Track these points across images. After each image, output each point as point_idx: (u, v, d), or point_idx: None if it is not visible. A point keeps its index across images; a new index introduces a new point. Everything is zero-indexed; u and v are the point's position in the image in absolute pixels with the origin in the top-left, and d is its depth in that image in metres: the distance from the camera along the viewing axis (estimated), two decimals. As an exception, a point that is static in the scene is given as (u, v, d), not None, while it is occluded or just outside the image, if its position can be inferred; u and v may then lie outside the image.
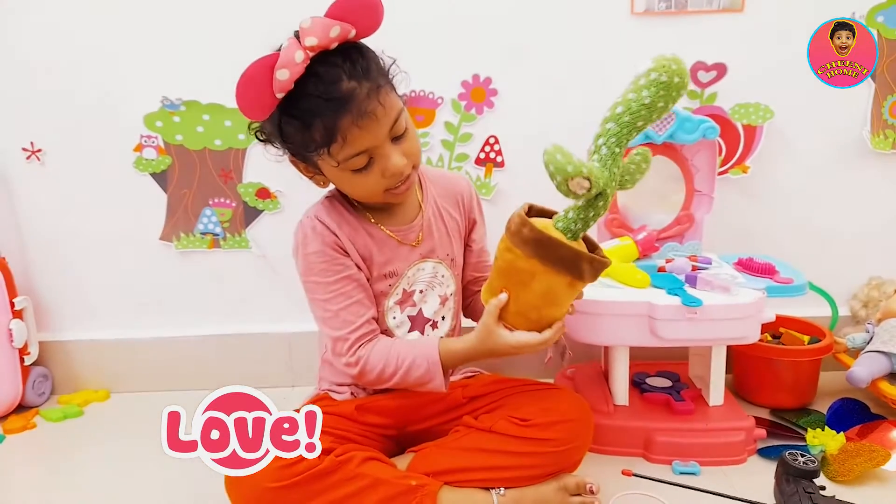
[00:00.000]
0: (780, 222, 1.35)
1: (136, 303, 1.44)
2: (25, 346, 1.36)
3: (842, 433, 1.08)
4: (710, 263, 1.16)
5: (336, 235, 0.96)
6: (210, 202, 1.38)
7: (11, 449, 1.24)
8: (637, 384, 1.22)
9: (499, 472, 0.91)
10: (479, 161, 1.35)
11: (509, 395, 1.00)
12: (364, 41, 0.89)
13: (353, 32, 0.85)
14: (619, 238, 1.17)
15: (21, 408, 1.37)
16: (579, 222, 0.79)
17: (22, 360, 1.36)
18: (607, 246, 1.16)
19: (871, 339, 1.19)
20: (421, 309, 1.04)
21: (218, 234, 1.40)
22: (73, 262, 1.42)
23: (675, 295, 1.04)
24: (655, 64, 0.70)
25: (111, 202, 1.38)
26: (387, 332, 1.02)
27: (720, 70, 1.28)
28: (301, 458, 0.84)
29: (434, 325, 1.05)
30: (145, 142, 1.36)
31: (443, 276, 1.05)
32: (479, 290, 1.02)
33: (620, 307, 1.06)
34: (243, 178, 1.37)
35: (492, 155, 1.35)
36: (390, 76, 0.91)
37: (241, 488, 0.85)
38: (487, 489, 0.91)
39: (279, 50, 0.83)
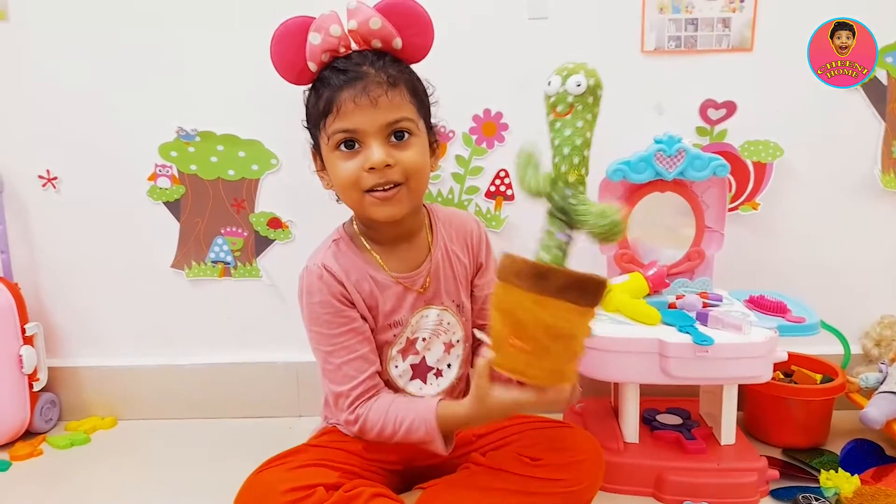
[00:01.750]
0: (790, 259, 1.34)
1: (145, 330, 1.44)
2: (35, 372, 1.36)
3: (856, 475, 1.06)
4: (722, 300, 1.16)
5: (343, 286, 0.95)
6: (222, 231, 1.39)
7: (17, 476, 1.23)
8: (647, 421, 1.20)
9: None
10: (489, 194, 1.36)
11: (519, 433, 0.99)
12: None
13: (398, 41, 0.91)
14: (630, 273, 1.17)
15: (28, 434, 1.37)
16: (560, 253, 0.80)
17: (31, 387, 1.36)
18: (617, 281, 1.16)
19: (885, 378, 1.18)
20: (424, 357, 1.02)
21: (229, 263, 1.41)
22: (85, 288, 1.43)
23: (687, 333, 1.04)
24: (584, 73, 0.75)
25: (124, 230, 1.40)
26: (389, 381, 1.00)
27: (730, 108, 1.29)
28: (311, 492, 0.84)
29: (438, 374, 1.03)
30: (160, 171, 1.37)
31: (448, 324, 1.02)
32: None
33: (631, 344, 1.05)
34: (255, 207, 1.38)
35: (502, 188, 1.35)
36: (426, 100, 0.96)
37: None
38: None
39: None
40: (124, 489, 1.16)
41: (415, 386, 1.02)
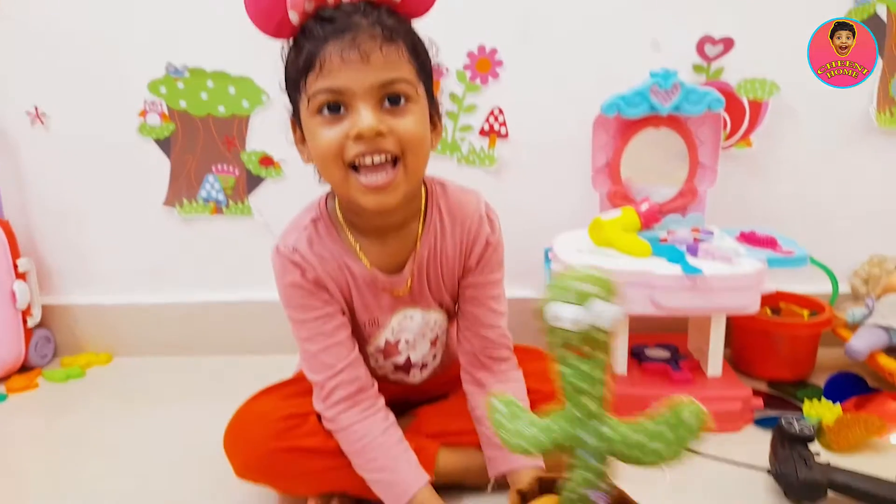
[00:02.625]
0: (782, 198, 1.35)
1: (138, 268, 1.45)
2: (28, 307, 1.37)
3: (838, 405, 1.09)
4: (713, 235, 1.16)
5: (316, 272, 0.84)
6: (213, 169, 1.39)
7: (14, 407, 1.25)
8: (636, 355, 1.22)
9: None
10: (483, 132, 1.35)
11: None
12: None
13: None
14: (622, 208, 1.17)
15: (24, 369, 1.38)
16: (580, 501, 0.64)
17: (25, 322, 1.37)
18: (609, 216, 1.16)
19: (871, 313, 1.20)
20: (409, 356, 0.94)
21: (220, 202, 1.40)
22: (77, 226, 1.42)
23: (676, 264, 1.05)
24: (602, 292, 0.57)
25: (115, 167, 1.39)
26: (371, 371, 0.91)
27: (727, 44, 1.28)
28: (305, 419, 0.85)
29: (423, 367, 0.97)
30: (149, 108, 1.36)
31: (435, 322, 0.93)
32: (477, 352, 0.91)
33: (621, 275, 1.06)
34: (246, 145, 1.37)
35: (496, 126, 1.34)
36: (428, 63, 0.80)
37: (242, 448, 0.85)
38: None
39: None
40: (119, 420, 1.18)
41: (397, 377, 0.97)
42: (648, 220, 1.17)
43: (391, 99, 0.74)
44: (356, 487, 0.86)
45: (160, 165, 1.39)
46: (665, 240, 1.15)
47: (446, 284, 0.90)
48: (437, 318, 0.93)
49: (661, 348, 1.25)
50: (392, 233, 0.85)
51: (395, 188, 0.76)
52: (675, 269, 1.04)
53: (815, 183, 1.35)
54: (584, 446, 0.62)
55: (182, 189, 1.40)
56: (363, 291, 0.86)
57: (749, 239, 1.15)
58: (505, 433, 0.65)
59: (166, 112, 1.36)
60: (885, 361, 1.12)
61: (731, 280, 1.03)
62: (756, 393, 1.13)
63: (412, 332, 0.92)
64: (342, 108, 0.73)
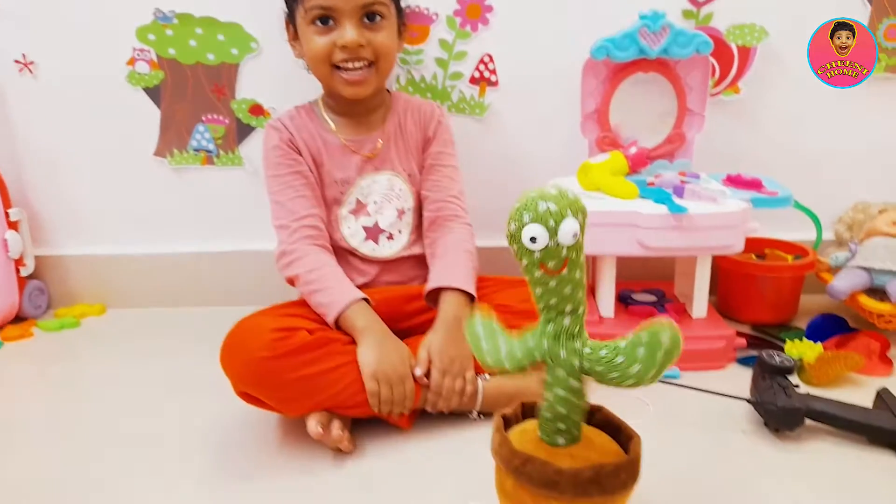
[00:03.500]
0: (770, 145, 1.36)
1: (130, 219, 1.45)
2: (21, 257, 1.38)
3: (820, 344, 1.11)
4: (699, 178, 1.17)
5: (291, 135, 1.08)
6: (203, 118, 1.38)
7: (8, 355, 1.26)
8: (623, 299, 1.24)
9: None
10: (473, 80, 1.35)
11: (497, 291, 1.03)
12: None
13: None
14: (610, 152, 1.18)
15: (18, 319, 1.39)
16: (557, 419, 0.66)
17: (18, 272, 1.38)
18: (597, 160, 1.17)
19: (854, 257, 1.22)
20: (377, 220, 1.11)
21: (211, 151, 1.41)
22: (68, 176, 1.42)
23: (663, 204, 1.06)
24: (571, 212, 0.59)
25: (104, 116, 1.38)
26: (341, 240, 1.09)
27: (717, -11, 1.28)
28: (294, 332, 0.89)
29: (390, 237, 1.12)
30: (138, 55, 1.35)
31: (400, 190, 1.12)
32: (435, 214, 1.10)
33: (608, 217, 1.07)
34: (236, 94, 1.37)
35: (486, 74, 1.34)
36: None
37: (236, 358, 0.88)
38: (476, 375, 0.95)
39: None
40: (115, 369, 1.19)
41: (368, 247, 1.11)
42: (636, 164, 1.18)
43: (369, 16, 1.01)
44: (351, 400, 0.90)
45: (150, 115, 1.38)
46: (652, 183, 1.16)
47: (411, 153, 1.12)
48: (401, 186, 1.12)
49: (648, 293, 1.28)
50: (362, 116, 1.12)
51: (368, 83, 1.04)
52: (662, 210, 1.05)
53: (802, 130, 1.36)
54: (558, 362, 0.64)
55: (172, 139, 1.40)
56: (335, 155, 1.09)
57: (735, 181, 1.17)
58: (481, 352, 0.67)
59: (155, 60, 1.35)
60: (866, 301, 1.15)
61: (715, 219, 1.05)
62: (740, 335, 1.16)
63: (379, 194, 1.11)
64: (331, 21, 1.01)
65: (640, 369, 0.60)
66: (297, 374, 0.86)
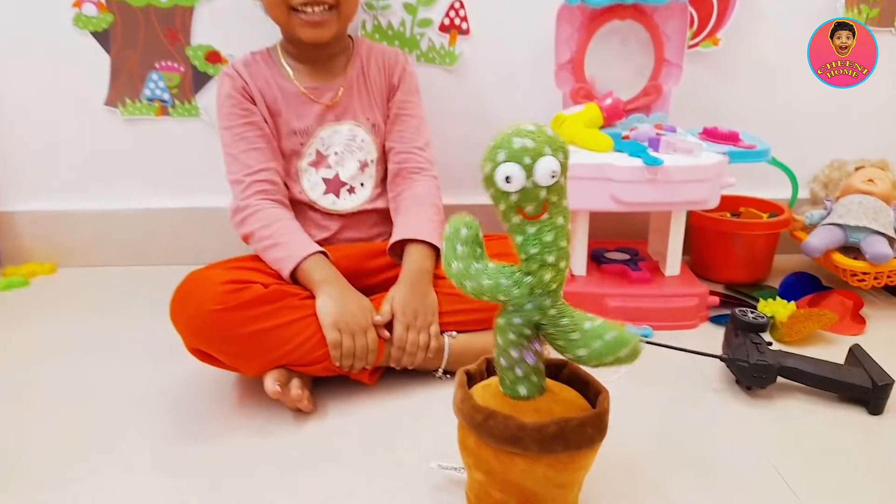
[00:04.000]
0: (748, 99, 1.32)
1: (82, 173, 1.37)
2: (-37, 213, 1.30)
3: (793, 303, 1.09)
4: (675, 131, 1.13)
5: (245, 82, 1.01)
6: (157, 66, 1.30)
7: (-47, 314, 1.20)
8: (595, 258, 1.21)
9: (451, 317, 0.91)
10: (443, 27, 1.28)
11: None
12: None
13: None
14: (584, 104, 1.13)
15: (-37, 278, 1.32)
16: (532, 383, 0.62)
17: (-40, 228, 1.30)
18: (571, 112, 1.12)
19: (829, 215, 1.20)
20: (337, 172, 1.05)
21: (166, 101, 1.33)
22: (14, 128, 1.33)
23: (637, 157, 1.02)
24: (552, 150, 0.54)
25: (51, 63, 1.29)
26: (301, 194, 1.04)
27: (697, -65, 1.22)
28: (248, 285, 0.84)
29: (352, 190, 1.06)
30: (84, -4, 1.26)
31: (363, 141, 1.06)
32: (400, 166, 1.05)
33: (581, 170, 1.03)
34: (192, 39, 1.28)
35: (457, 21, 1.28)
36: None
37: (185, 312, 0.83)
38: (441, 332, 0.92)
39: None
40: (64, 332, 1.12)
41: (328, 200, 1.05)
42: (611, 116, 1.13)
43: None
44: (310, 356, 0.86)
45: (99, 61, 1.29)
46: (627, 137, 1.12)
47: (375, 102, 1.06)
48: (364, 136, 1.05)
49: (621, 251, 1.25)
50: (323, 62, 1.05)
51: (328, 26, 0.97)
52: (636, 163, 1.01)
53: (780, 83, 1.32)
54: (520, 311, 0.60)
55: (124, 88, 1.31)
56: (293, 103, 1.02)
57: (711, 135, 1.13)
58: (448, 264, 0.60)
59: (104, 1, 1.26)
60: (840, 259, 1.13)
61: (691, 172, 1.01)
62: (713, 293, 1.14)
63: (340, 145, 1.04)
64: None
65: (585, 355, 0.58)
66: (250, 329, 0.82)
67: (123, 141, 1.35)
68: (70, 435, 0.84)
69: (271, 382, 0.84)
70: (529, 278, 0.59)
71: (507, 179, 0.54)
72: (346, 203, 1.06)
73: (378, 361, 0.89)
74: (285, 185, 1.03)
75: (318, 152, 1.04)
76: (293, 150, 1.03)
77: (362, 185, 1.07)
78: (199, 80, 1.31)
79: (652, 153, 1.03)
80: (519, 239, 0.58)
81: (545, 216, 0.56)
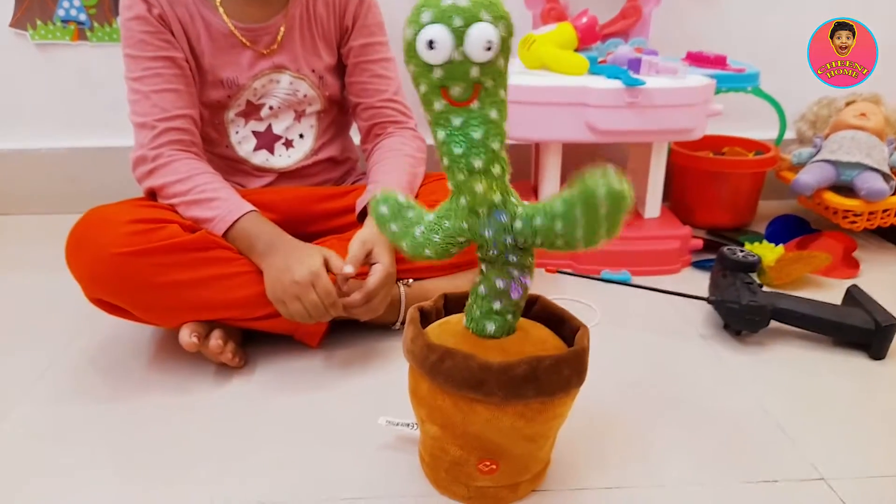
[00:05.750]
0: (732, 25, 1.22)
1: (-14, 107, 1.21)
2: None
3: (780, 246, 1.00)
4: (657, 55, 1.02)
5: (162, 9, 0.79)
6: (70, -19, 1.14)
7: None
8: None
9: (405, 263, 0.78)
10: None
11: (420, 188, 0.86)
12: None
13: None
14: (557, 23, 1.01)
15: None
16: (495, 296, 0.52)
17: None
18: (541, 31, 1.00)
19: (818, 153, 1.10)
20: (270, 124, 0.88)
21: (83, 23, 1.16)
22: None
23: (616, 78, 0.90)
24: (492, 16, 0.42)
25: (-58, -25, 1.12)
26: (228, 149, 0.87)
27: None
28: (163, 225, 0.71)
29: (288, 144, 0.89)
30: None
31: (305, 96, 0.87)
32: (369, 123, 0.90)
33: (553, 94, 0.92)
34: (110, -51, 1.12)
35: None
36: None
37: (82, 255, 0.70)
38: (395, 280, 0.79)
39: None
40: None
41: (260, 157, 0.88)
42: (587, 37, 1.01)
43: None
44: (250, 314, 0.74)
45: (1, -25, 1.13)
46: (604, 61, 1.00)
47: (322, 47, 0.87)
48: (306, 91, 0.87)
49: (596, 193, 1.14)
50: None
51: None
52: (615, 85, 0.90)
53: (768, 10, 1.22)
54: (487, 242, 0.49)
55: (33, 7, 1.15)
56: (220, 45, 0.82)
57: (696, 59, 1.03)
58: (394, 236, 0.52)
59: None
60: (832, 198, 1.04)
61: (675, 95, 0.90)
62: (695, 237, 1.04)
63: (277, 98, 0.86)
64: None
65: (584, 232, 0.45)
66: (166, 279, 0.69)
67: (35, 69, 1.19)
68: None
69: (187, 334, 0.71)
70: (464, 198, 0.48)
71: (431, 45, 0.42)
72: (283, 160, 0.89)
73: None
74: (209, 138, 0.86)
75: (248, 102, 0.85)
76: (218, 101, 0.84)
77: (301, 136, 0.89)
78: (121, -2, 1.15)
79: (633, 75, 0.91)
80: (441, 135, 0.46)
81: (475, 104, 0.44)
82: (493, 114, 0.45)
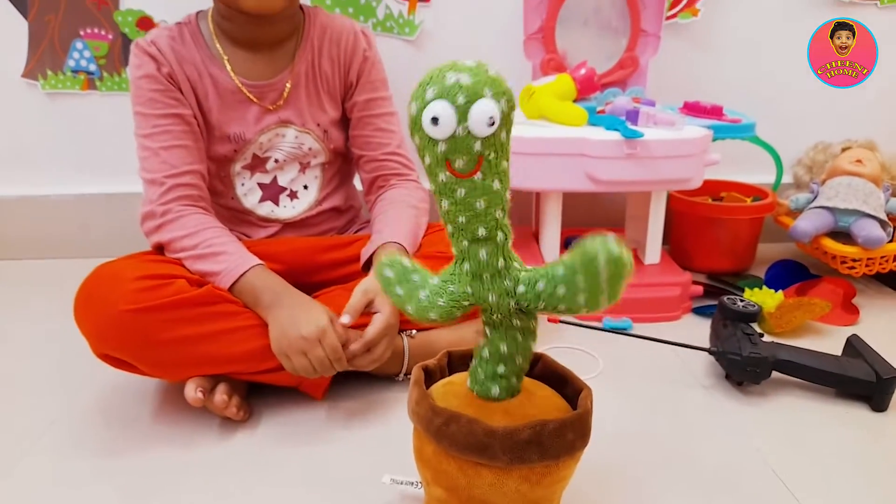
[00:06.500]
0: (729, 75, 1.24)
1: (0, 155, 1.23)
2: None
3: (780, 292, 1.01)
4: (654, 105, 1.04)
5: (171, 68, 0.82)
6: (81, 33, 1.16)
7: None
8: (568, 246, 1.11)
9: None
10: (401, -5, 1.17)
11: (435, 232, 0.87)
12: None
13: None
14: (556, 75, 1.03)
15: None
16: (498, 360, 0.52)
17: None
18: (541, 82, 1.02)
19: (815, 199, 1.12)
20: (276, 176, 0.90)
21: (93, 73, 1.19)
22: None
23: (615, 130, 0.92)
24: (493, 93, 0.44)
25: (-43, 28, 1.15)
26: (234, 201, 0.90)
27: None
28: (169, 281, 0.71)
29: (293, 196, 0.91)
30: (-4, -47, 1.12)
31: (310, 149, 0.90)
32: (372, 176, 0.92)
33: (552, 145, 0.94)
34: (120, 3, 1.15)
35: (417, -12, 1.17)
36: None
37: (91, 312, 0.71)
38: (399, 332, 0.80)
39: None
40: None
41: (265, 208, 0.90)
42: (586, 88, 1.03)
43: None
44: (255, 368, 0.74)
45: (15, 28, 1.15)
46: (602, 111, 1.02)
47: (327, 102, 0.89)
48: (311, 144, 0.89)
49: (596, 238, 1.15)
50: (265, 48, 0.86)
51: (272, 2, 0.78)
52: (614, 136, 0.92)
53: (762, 57, 1.25)
54: (491, 307, 0.50)
55: (45, 58, 1.17)
56: (227, 101, 0.85)
57: (693, 109, 1.05)
58: (399, 300, 0.52)
59: (18, -40, 1.12)
60: (831, 245, 1.05)
61: (673, 146, 0.92)
62: (696, 283, 1.05)
63: (283, 151, 0.89)
64: None
65: (586, 297, 0.46)
66: (172, 334, 0.69)
67: (45, 118, 1.21)
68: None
69: (192, 390, 0.71)
70: (467, 264, 0.49)
71: (435, 121, 0.43)
72: (287, 211, 0.91)
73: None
74: (216, 190, 0.88)
75: (254, 155, 0.88)
76: (225, 155, 0.86)
77: (306, 187, 0.91)
78: (129, 49, 1.18)
79: (631, 126, 0.93)
80: (446, 204, 0.47)
81: (478, 175, 0.46)
82: (496, 184, 0.47)
